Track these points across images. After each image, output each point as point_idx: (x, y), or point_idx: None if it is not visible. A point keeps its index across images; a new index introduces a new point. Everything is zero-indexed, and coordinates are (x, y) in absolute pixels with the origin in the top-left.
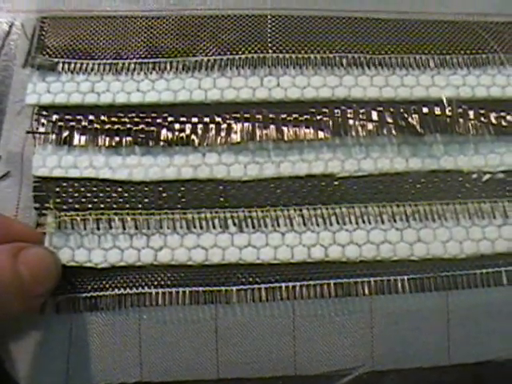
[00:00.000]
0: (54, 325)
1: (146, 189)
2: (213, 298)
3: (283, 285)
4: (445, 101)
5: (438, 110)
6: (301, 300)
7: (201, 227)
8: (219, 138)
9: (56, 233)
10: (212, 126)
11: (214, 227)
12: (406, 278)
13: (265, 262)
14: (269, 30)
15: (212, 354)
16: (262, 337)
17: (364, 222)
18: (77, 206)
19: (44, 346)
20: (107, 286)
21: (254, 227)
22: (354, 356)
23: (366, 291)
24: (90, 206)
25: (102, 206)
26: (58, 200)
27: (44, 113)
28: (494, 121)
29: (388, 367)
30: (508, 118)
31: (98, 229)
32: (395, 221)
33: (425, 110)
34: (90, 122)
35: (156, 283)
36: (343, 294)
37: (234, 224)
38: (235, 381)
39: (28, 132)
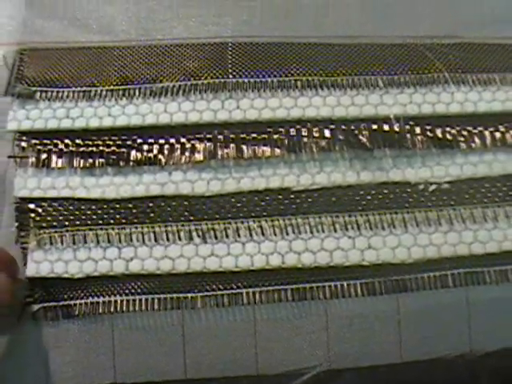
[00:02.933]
0: (31, 332)
1: (117, 205)
2: (179, 304)
3: (244, 291)
4: (393, 118)
5: (386, 127)
6: (261, 305)
7: (168, 239)
8: (184, 158)
9: (36, 249)
10: (177, 146)
11: (179, 239)
12: (358, 282)
13: (227, 270)
14: (229, 57)
15: (179, 356)
16: (226, 339)
17: (318, 231)
18: (55, 223)
19: (21, 353)
20: (82, 294)
21: (216, 238)
22: (312, 356)
23: (321, 296)
24: (66, 223)
25: (77, 222)
26: (38, 218)
27: (24, 138)
28: (439, 135)
29: (344, 366)
30: (453, 132)
31: (74, 243)
32: (347, 229)
33: (374, 126)
34: (66, 145)
35: (127, 291)
36: (300, 298)
37: (198, 236)
38: (201, 381)
39: (9, 157)
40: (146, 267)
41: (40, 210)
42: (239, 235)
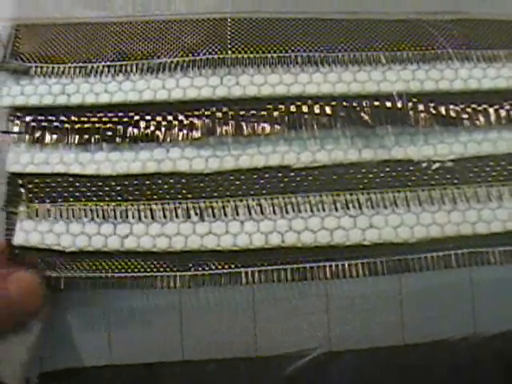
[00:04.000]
0: None
1: (113, 183)
2: (176, 284)
3: (243, 270)
4: (395, 95)
5: (389, 104)
6: (260, 285)
7: (164, 217)
8: (182, 134)
9: (26, 219)
10: (175, 122)
11: (177, 217)
12: (359, 262)
13: (225, 249)
14: (228, 33)
15: (177, 337)
16: (224, 320)
17: (318, 209)
18: (48, 199)
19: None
20: (75, 268)
21: (214, 216)
22: (312, 338)
23: (322, 276)
24: (60, 199)
25: (71, 197)
26: (30, 194)
27: (18, 114)
28: (443, 112)
29: (344, 348)
30: (456, 109)
31: (68, 217)
32: (348, 208)
33: (376, 103)
34: (61, 121)
35: (123, 269)
36: (300, 278)
37: (196, 214)
38: (199, 362)
39: (3, 132)
40: (142, 244)
41: (32, 185)
42: (238, 213)
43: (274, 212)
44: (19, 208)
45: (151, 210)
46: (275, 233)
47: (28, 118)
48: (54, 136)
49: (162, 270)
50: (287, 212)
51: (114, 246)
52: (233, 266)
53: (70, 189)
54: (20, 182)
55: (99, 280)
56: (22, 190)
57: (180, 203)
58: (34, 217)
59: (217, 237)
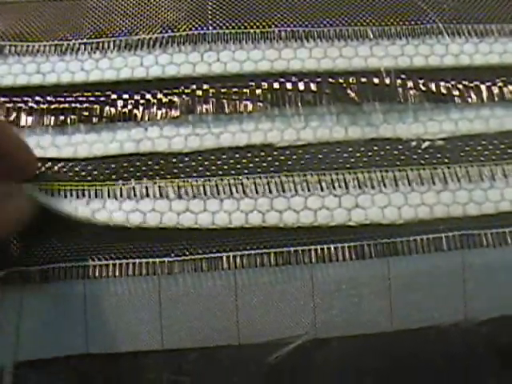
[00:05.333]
0: (4, 297)
1: (89, 165)
2: (155, 270)
3: (224, 255)
4: (383, 71)
5: (376, 80)
6: (242, 269)
7: (141, 196)
8: (160, 113)
9: None
10: (154, 101)
11: (154, 195)
12: (346, 245)
13: (202, 228)
14: (209, 7)
15: (156, 325)
16: (205, 307)
17: (303, 189)
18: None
19: None
20: (54, 258)
21: (194, 195)
22: (297, 324)
23: (307, 260)
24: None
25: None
26: None
27: None
28: (433, 89)
29: (331, 335)
30: (447, 86)
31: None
32: (334, 188)
33: (363, 80)
34: (37, 102)
35: (100, 256)
36: (283, 262)
37: (174, 192)
38: (179, 351)
39: None
40: (114, 219)
41: None
42: (218, 192)
43: (256, 191)
44: None
45: (127, 189)
46: (256, 212)
47: (2, 100)
48: (30, 118)
49: (140, 256)
50: (270, 191)
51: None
52: (214, 251)
53: (48, 172)
54: None
55: (76, 268)
56: None
57: (156, 182)
58: None
59: (194, 214)
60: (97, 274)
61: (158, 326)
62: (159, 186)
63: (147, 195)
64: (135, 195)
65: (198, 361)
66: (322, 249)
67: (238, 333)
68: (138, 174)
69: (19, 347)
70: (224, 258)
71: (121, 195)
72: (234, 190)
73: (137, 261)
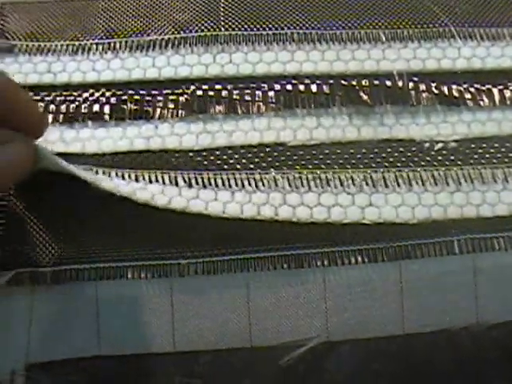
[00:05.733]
0: (14, 298)
1: (98, 160)
2: (167, 272)
3: (237, 257)
4: (396, 74)
5: (389, 83)
6: (254, 272)
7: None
8: (171, 112)
9: None
10: (165, 100)
11: (163, 183)
12: (358, 248)
13: (212, 215)
14: (221, 8)
15: (168, 327)
16: (217, 309)
17: (316, 186)
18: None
19: (4, 320)
20: (64, 260)
21: (204, 186)
22: (309, 327)
23: (319, 263)
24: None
25: None
26: None
27: None
28: (445, 92)
29: (343, 337)
30: (459, 89)
31: None
32: (347, 185)
33: (376, 82)
34: (47, 102)
35: (111, 258)
36: (296, 265)
37: (185, 181)
38: (191, 353)
39: None
40: None
41: None
42: (230, 185)
43: (269, 186)
44: None
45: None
46: (268, 205)
47: None
48: None
49: (152, 258)
50: (283, 187)
51: None
52: (226, 253)
53: None
54: None
55: (88, 271)
56: None
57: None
58: None
59: (205, 202)
60: (109, 276)
61: (170, 329)
62: (171, 181)
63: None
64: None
65: (210, 363)
66: (334, 252)
67: (250, 335)
68: (147, 171)
69: (30, 349)
70: (237, 261)
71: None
72: (246, 183)
73: (149, 263)
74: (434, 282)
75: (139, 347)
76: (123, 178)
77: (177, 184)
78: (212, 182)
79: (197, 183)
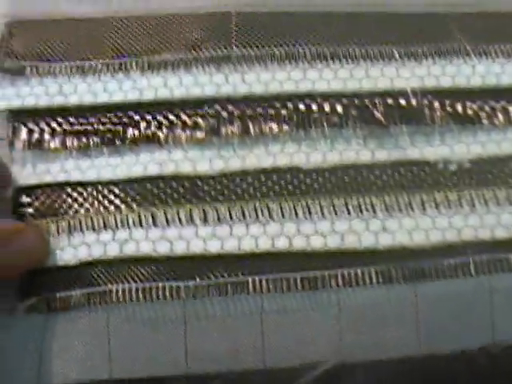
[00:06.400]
0: (25, 326)
1: (112, 187)
2: (180, 294)
3: (250, 279)
4: (410, 92)
5: (403, 101)
6: (268, 294)
7: (166, 221)
8: (184, 135)
9: None
10: (178, 122)
11: (179, 221)
12: (373, 269)
13: (229, 253)
14: (233, 27)
15: (181, 350)
16: (231, 331)
17: (330, 212)
18: (50, 211)
19: (15, 347)
20: (75, 285)
21: (219, 220)
22: (323, 349)
23: (333, 284)
24: (61, 210)
25: (73, 209)
26: (31, 210)
27: (15, 117)
28: (460, 111)
29: (357, 359)
30: (474, 107)
31: (70, 231)
32: (361, 211)
33: (390, 101)
34: (59, 124)
35: (123, 279)
36: (310, 287)
37: (200, 218)
38: (204, 375)
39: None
40: (142, 249)
41: (34, 198)
42: (244, 216)
43: (283, 215)
44: None
45: (152, 214)
46: (283, 237)
47: (24, 122)
48: (53, 141)
49: (164, 279)
50: (296, 215)
51: (113, 252)
52: (240, 275)
53: (70, 198)
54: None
55: (99, 294)
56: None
57: (183, 206)
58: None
59: (221, 240)
60: (120, 299)
61: (183, 351)
62: (185, 212)
63: (173, 222)
64: (161, 222)
65: None
66: (349, 273)
67: (264, 357)
68: (161, 197)
69: (42, 374)
70: (250, 283)
71: (146, 222)
72: (259, 213)
73: (160, 284)
74: (449, 303)
75: (151, 370)
76: (140, 220)
77: (192, 220)
78: (226, 214)
79: (212, 219)
